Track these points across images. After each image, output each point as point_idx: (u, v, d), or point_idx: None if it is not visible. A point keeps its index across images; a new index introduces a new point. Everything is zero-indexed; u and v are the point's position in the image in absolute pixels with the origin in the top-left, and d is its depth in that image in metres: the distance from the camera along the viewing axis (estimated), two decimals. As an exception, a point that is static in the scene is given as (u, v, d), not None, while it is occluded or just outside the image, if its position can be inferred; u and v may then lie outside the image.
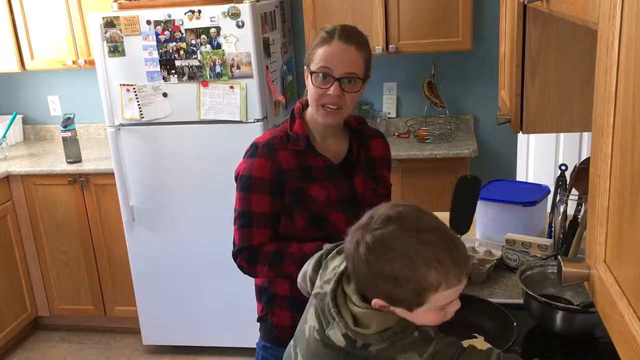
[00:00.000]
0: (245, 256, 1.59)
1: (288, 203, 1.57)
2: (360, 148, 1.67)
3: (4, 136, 3.63)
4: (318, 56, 1.51)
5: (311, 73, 1.52)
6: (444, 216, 1.69)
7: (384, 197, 1.71)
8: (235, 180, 1.62)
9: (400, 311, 1.04)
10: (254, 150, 1.59)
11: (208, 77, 2.82)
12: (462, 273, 1.02)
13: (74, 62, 3.40)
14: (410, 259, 0.99)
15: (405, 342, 1.02)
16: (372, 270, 1.02)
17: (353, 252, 1.04)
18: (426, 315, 1.04)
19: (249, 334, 2.22)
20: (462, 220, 1.73)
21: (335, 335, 1.04)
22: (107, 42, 2.86)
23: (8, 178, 3.34)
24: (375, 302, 1.03)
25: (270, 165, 1.56)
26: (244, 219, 1.59)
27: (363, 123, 1.73)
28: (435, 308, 1.03)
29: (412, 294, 1.00)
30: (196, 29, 2.77)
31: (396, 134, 3.50)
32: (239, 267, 1.62)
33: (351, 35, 1.52)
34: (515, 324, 1.41)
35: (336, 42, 1.50)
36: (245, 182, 1.58)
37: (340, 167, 1.63)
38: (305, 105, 1.63)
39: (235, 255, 1.62)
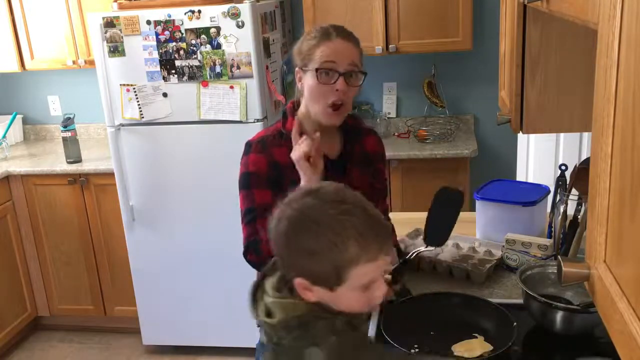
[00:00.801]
0: (252, 250, 1.57)
1: None
2: (354, 144, 1.69)
3: (4, 136, 3.63)
4: (319, 54, 1.53)
5: (315, 70, 1.53)
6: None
7: (380, 192, 1.72)
8: (238, 184, 1.63)
9: (322, 292, 1.01)
10: (248, 148, 1.62)
11: (208, 77, 2.82)
12: (383, 247, 1.00)
13: (74, 62, 3.40)
14: (329, 229, 0.97)
15: (309, 334, 1.01)
16: (290, 245, 1.01)
17: (274, 230, 1.04)
18: (349, 297, 1.01)
19: (249, 334, 2.22)
20: (438, 232, 1.56)
21: (261, 334, 1.05)
22: (107, 42, 2.86)
23: (8, 178, 3.34)
24: (298, 282, 1.01)
25: (265, 159, 1.58)
26: (250, 215, 1.58)
27: (356, 119, 1.74)
28: (358, 287, 1.00)
29: (331, 268, 0.98)
30: (196, 29, 2.77)
31: (396, 134, 3.50)
32: (249, 262, 1.59)
33: (347, 33, 1.58)
34: (515, 324, 1.41)
35: (336, 39, 1.54)
36: (244, 179, 1.60)
37: (335, 162, 1.64)
38: (297, 105, 1.65)
39: (245, 253, 1.59)
